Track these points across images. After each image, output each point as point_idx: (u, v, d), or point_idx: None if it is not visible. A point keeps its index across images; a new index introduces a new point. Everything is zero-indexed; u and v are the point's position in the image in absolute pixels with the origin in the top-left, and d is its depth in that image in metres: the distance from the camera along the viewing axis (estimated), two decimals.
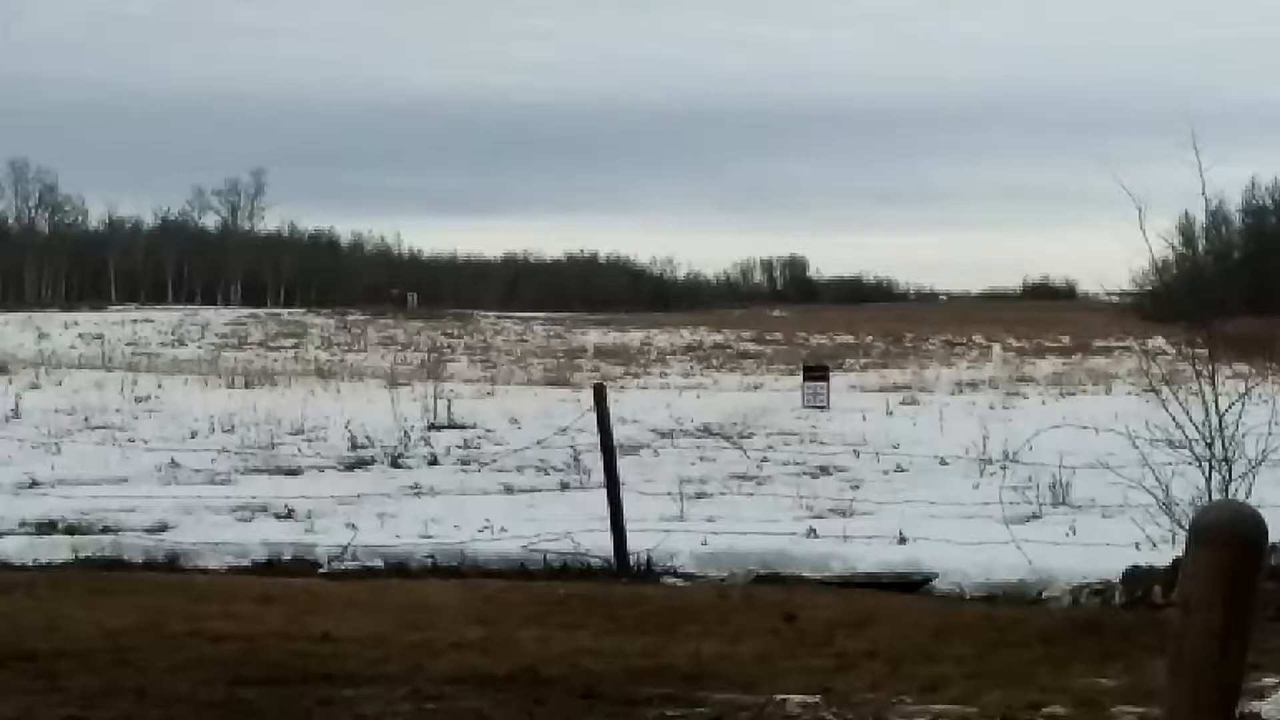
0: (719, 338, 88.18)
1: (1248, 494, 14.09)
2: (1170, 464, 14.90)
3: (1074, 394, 44.24)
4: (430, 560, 15.09)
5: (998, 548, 14.00)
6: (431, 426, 29.99)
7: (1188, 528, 4.19)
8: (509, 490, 20.80)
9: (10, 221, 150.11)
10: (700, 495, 19.70)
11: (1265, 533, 4.11)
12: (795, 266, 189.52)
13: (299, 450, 25.51)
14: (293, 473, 22.84)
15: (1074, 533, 15.72)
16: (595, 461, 17.19)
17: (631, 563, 14.68)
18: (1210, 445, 14.56)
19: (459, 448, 26.48)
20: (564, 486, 21.17)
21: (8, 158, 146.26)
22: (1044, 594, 13.21)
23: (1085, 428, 17.08)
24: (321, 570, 14.98)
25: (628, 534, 14.88)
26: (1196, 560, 4.06)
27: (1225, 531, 4.04)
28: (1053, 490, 18.56)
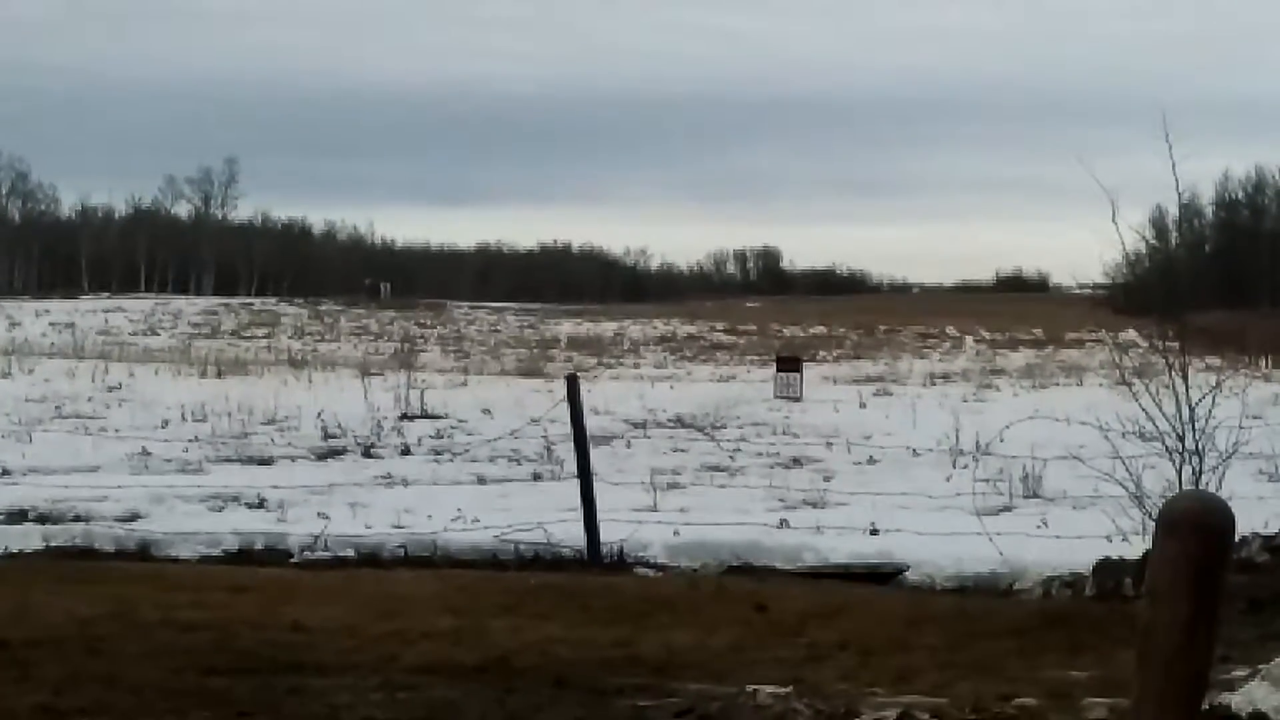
0: (692, 329, 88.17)
1: (1219, 486, 14.12)
2: (1142, 456, 14.95)
3: (1046, 386, 44.34)
4: (402, 550, 15.08)
5: (969, 539, 14.04)
6: (404, 416, 29.97)
7: (1156, 518, 4.21)
8: (481, 480, 20.79)
9: None
10: (673, 486, 19.71)
11: (1232, 522, 4.13)
12: (768, 258, 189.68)
13: (271, 440, 25.48)
14: (265, 462, 22.81)
15: (1045, 525, 15.77)
16: (568, 452, 17.20)
17: (604, 553, 14.70)
18: (1181, 438, 14.60)
19: (431, 438, 26.46)
20: (536, 477, 21.18)
21: None
22: (1015, 586, 13.24)
23: (1057, 420, 17.10)
24: (294, 560, 14.97)
25: (600, 525, 14.89)
26: (1164, 550, 4.07)
27: (1192, 521, 4.06)
28: (1024, 482, 18.61)
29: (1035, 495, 18.39)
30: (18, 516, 16.89)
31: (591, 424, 17.77)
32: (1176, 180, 15.44)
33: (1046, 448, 19.10)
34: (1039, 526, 15.63)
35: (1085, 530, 14.51)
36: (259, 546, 15.37)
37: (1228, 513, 4.08)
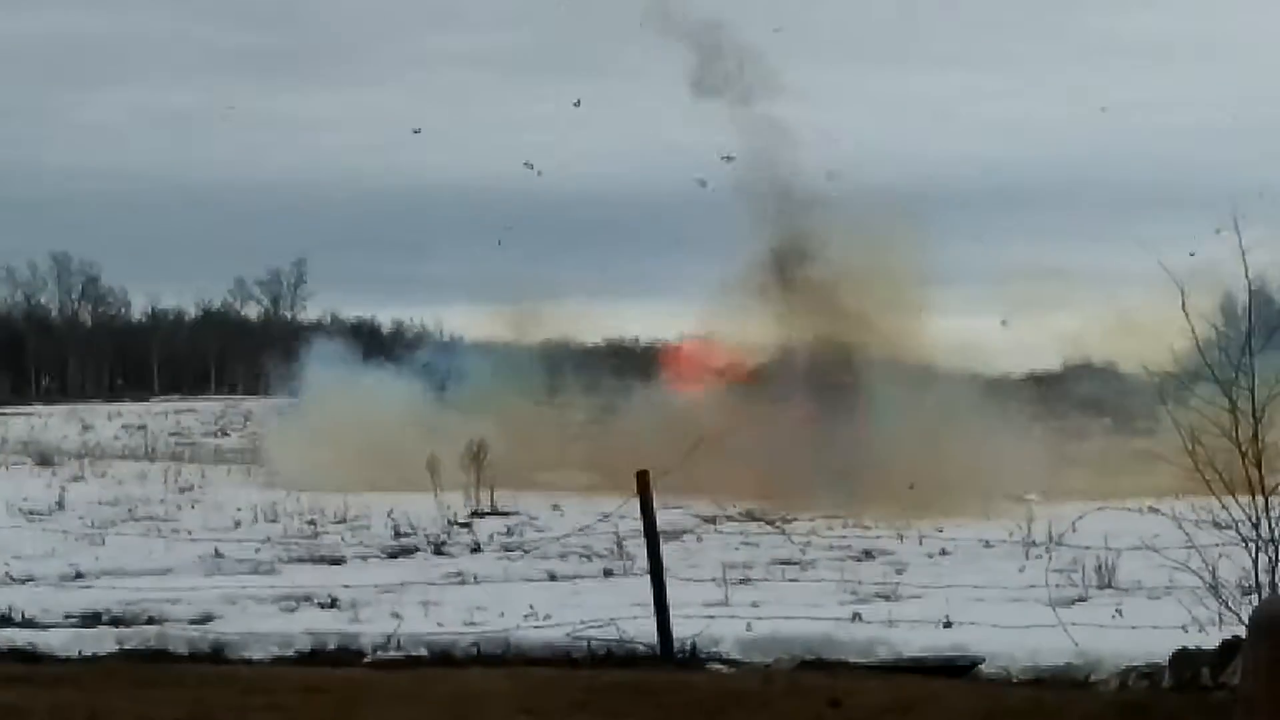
0: None
1: None
2: (1216, 545, 14.80)
3: (1117, 474, 43.93)
4: (475, 649, 15.07)
5: (1044, 631, 13.93)
6: (474, 514, 30.01)
7: (1247, 621, 4.17)
8: (553, 577, 20.78)
9: (54, 314, 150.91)
10: (744, 581, 19.63)
11: None
12: (838, 349, 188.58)
13: (342, 539, 25.56)
14: (336, 562, 22.88)
15: (1120, 615, 15.63)
16: (639, 547, 17.17)
17: (676, 649, 14.64)
18: (1256, 525, 14.45)
19: (502, 534, 26.48)
20: (607, 573, 21.14)
21: (50, 251, 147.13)
22: (1091, 677, 13.13)
23: (1130, 509, 16.99)
24: (366, 660, 14.98)
25: (672, 620, 14.84)
26: (1256, 655, 4.02)
27: None
28: (1098, 572, 18.47)
29: (1109, 585, 18.24)
30: (92, 619, 16.99)
31: (661, 519, 17.74)
32: (1245, 265, 15.37)
33: (1120, 537, 18.95)
34: (1114, 617, 15.48)
35: (1161, 620, 14.37)
36: (331, 647, 15.40)
37: None
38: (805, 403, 38.83)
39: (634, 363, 53.88)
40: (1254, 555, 14.47)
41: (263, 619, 16.95)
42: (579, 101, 44.32)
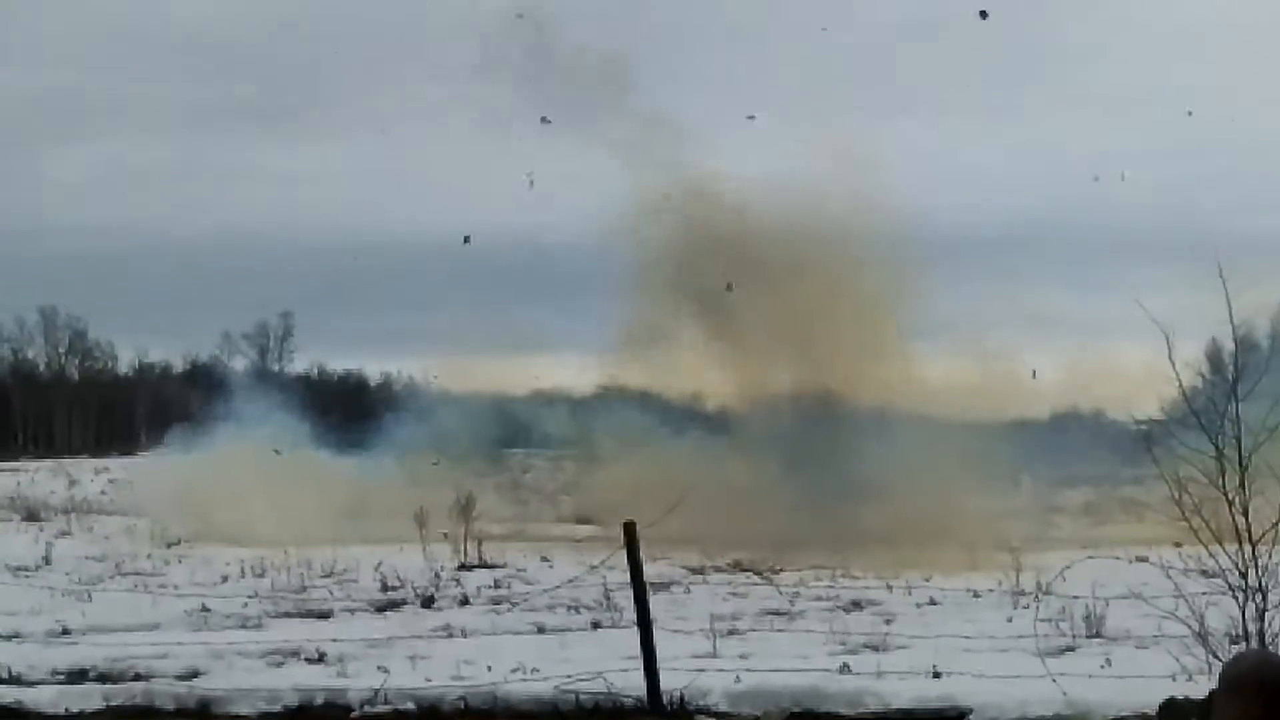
0: None
1: None
2: (1204, 593, 14.82)
3: (1105, 523, 43.96)
4: (463, 702, 15.05)
5: (1033, 681, 13.93)
6: (462, 566, 29.97)
7: (1219, 675, 4.17)
8: (541, 630, 20.75)
9: (41, 369, 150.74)
10: (732, 632, 19.62)
11: None
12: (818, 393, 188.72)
13: (330, 593, 25.49)
14: (324, 616, 22.81)
15: (1109, 664, 15.64)
16: (627, 599, 17.16)
17: (665, 701, 14.63)
18: (1244, 574, 14.48)
19: (490, 587, 26.43)
20: (596, 625, 21.10)
21: (37, 305, 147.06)
22: None
23: (1117, 558, 17.01)
24: (354, 715, 14.96)
25: (660, 672, 14.83)
26: (1226, 711, 4.03)
27: (1256, 680, 4.02)
28: (1087, 621, 18.47)
29: (1098, 635, 18.25)
30: (78, 676, 16.93)
31: (649, 570, 17.73)
32: (1230, 312, 15.43)
33: (1108, 586, 18.95)
34: (1103, 667, 15.49)
35: (1149, 670, 14.39)
36: (319, 702, 15.37)
37: None
38: (786, 451, 38.82)
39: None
40: (1241, 604, 14.51)
41: (250, 674, 16.91)
42: (531, 180, 44.10)
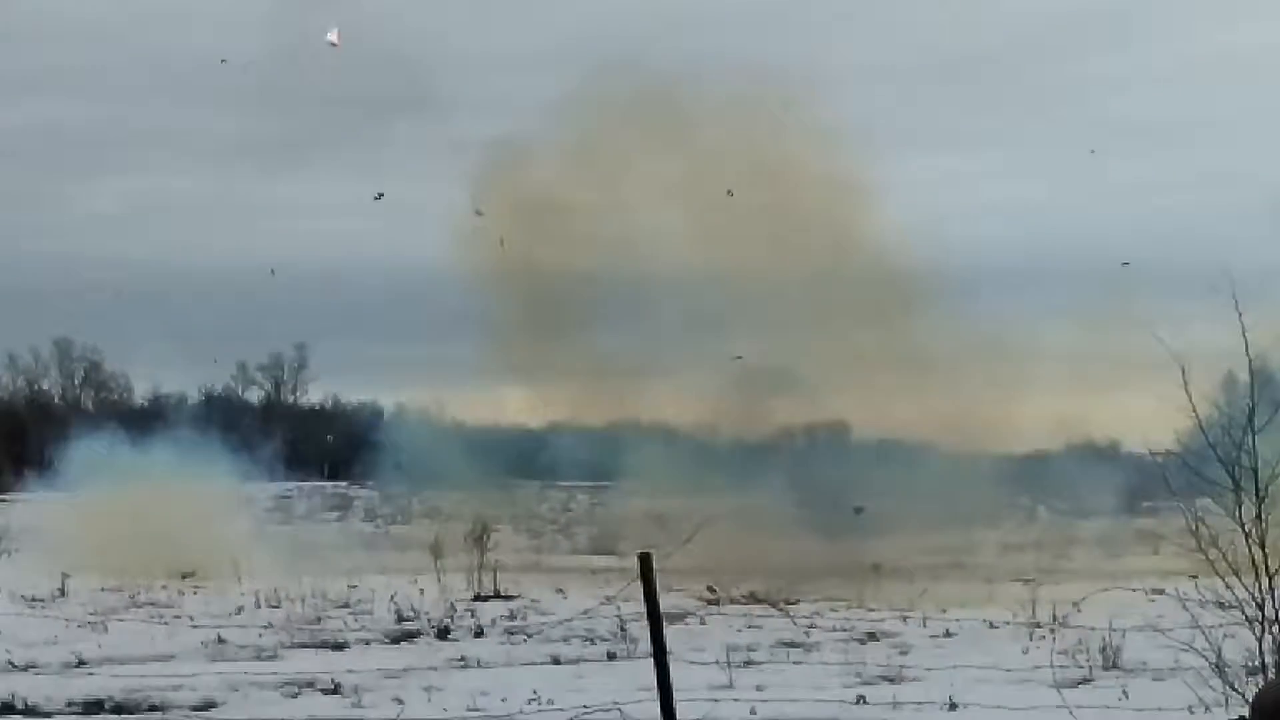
0: None
1: None
2: (1221, 625, 14.77)
3: (1121, 555, 43.86)
4: None
5: (1049, 713, 13.89)
6: (477, 597, 29.95)
7: (1251, 704, 4.16)
8: (556, 661, 20.73)
9: (56, 400, 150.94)
10: (748, 663, 19.59)
11: None
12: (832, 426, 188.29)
13: (345, 624, 25.47)
14: (339, 647, 22.81)
15: (1126, 696, 15.61)
16: (642, 630, 17.13)
17: None
18: (1261, 606, 14.43)
19: (505, 618, 26.40)
20: (611, 656, 21.09)
21: (52, 337, 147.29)
22: None
23: (1134, 590, 16.97)
24: None
25: (676, 704, 14.79)
26: None
27: None
28: (1103, 653, 18.43)
29: (1115, 666, 18.21)
30: (94, 707, 16.95)
31: (665, 601, 17.70)
32: (1246, 344, 15.40)
33: (1124, 618, 18.92)
34: (1120, 699, 15.46)
35: (1166, 702, 14.35)
36: None
37: None
38: (801, 482, 38.83)
39: None
40: (1259, 636, 14.45)
41: (265, 705, 16.90)
42: (380, 195, 44.19)
